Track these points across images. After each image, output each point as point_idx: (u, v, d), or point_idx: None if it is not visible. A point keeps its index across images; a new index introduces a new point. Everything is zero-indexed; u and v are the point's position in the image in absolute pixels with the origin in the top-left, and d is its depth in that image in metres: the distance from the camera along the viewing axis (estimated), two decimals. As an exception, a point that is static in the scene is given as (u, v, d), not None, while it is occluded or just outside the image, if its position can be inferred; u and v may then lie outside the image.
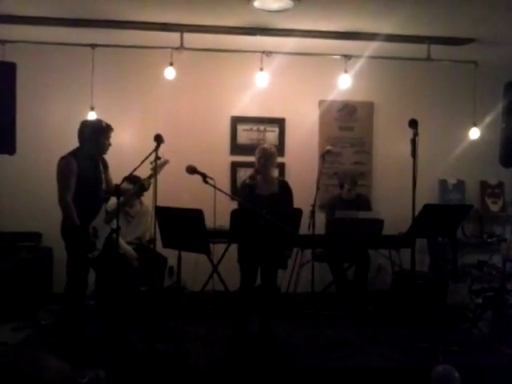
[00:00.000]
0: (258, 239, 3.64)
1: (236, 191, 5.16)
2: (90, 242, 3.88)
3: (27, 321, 4.69)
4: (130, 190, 4.31)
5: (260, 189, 4.25)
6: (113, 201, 4.04)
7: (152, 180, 4.07)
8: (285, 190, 4.37)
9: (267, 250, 3.87)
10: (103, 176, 4.13)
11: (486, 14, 4.54)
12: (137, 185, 4.30)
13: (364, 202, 5.53)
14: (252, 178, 4.25)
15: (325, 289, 5.39)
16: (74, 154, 3.99)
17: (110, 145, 4.13)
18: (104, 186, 4.13)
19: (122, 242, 4.59)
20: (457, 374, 3.49)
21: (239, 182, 5.53)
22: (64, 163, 3.93)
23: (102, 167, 4.14)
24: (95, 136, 4.03)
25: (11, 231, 5.43)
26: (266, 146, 4.52)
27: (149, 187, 4.45)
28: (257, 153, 4.35)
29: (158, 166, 4.07)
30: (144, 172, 4.14)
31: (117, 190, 3.88)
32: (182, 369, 3.62)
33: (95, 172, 4.06)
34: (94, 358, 3.69)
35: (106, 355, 3.73)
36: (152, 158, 3.94)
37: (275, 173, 4.43)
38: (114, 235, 3.91)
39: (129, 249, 4.76)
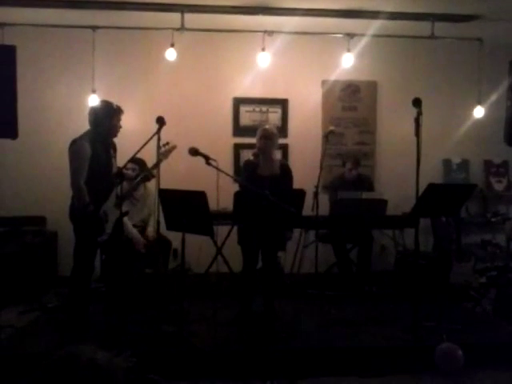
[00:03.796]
0: (261, 220, 3.63)
1: (239, 173, 5.14)
2: (101, 226, 3.88)
3: (34, 304, 4.73)
4: (135, 178, 4.33)
5: (261, 169, 4.24)
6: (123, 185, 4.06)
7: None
8: (285, 172, 4.36)
9: (266, 232, 3.86)
10: (113, 160, 4.13)
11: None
12: (142, 174, 4.32)
13: (366, 183, 5.52)
14: (255, 155, 4.25)
15: (328, 269, 5.41)
16: (85, 137, 3.96)
17: (120, 127, 4.11)
18: (114, 169, 4.12)
19: (130, 226, 4.61)
20: (460, 352, 3.53)
21: (242, 163, 5.50)
22: (77, 147, 3.91)
23: (112, 151, 4.14)
24: (108, 119, 3.99)
25: (16, 216, 5.44)
26: (267, 126, 4.51)
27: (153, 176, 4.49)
28: (258, 133, 4.36)
29: (166, 151, 4.09)
30: (147, 154, 4.13)
31: (120, 173, 3.88)
32: (188, 350, 3.66)
33: (107, 156, 4.04)
34: (100, 340, 3.73)
35: (111, 337, 3.76)
36: (159, 142, 3.94)
37: (277, 155, 4.41)
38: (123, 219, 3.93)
39: (136, 234, 4.77)
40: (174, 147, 4.20)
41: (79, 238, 3.96)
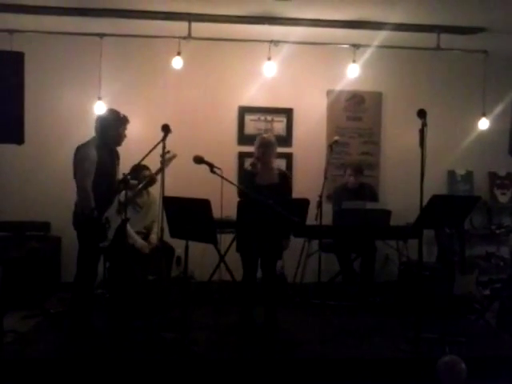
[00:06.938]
0: (264, 229, 3.63)
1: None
2: (103, 232, 3.90)
3: (36, 309, 4.73)
4: (139, 184, 4.36)
5: (260, 178, 4.24)
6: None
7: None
8: (284, 181, 4.35)
9: (265, 241, 3.86)
10: (117, 168, 4.16)
11: (496, 2, 4.49)
12: (146, 179, 4.38)
13: (369, 192, 5.51)
14: (253, 165, 4.25)
15: (331, 279, 5.40)
16: (91, 144, 4.00)
17: (125, 136, 4.17)
18: (118, 177, 4.15)
19: (131, 231, 4.63)
20: (463, 365, 3.50)
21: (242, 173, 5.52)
22: (83, 152, 3.95)
23: (115, 159, 4.17)
24: (114, 127, 4.07)
25: (20, 221, 5.47)
26: (265, 135, 4.54)
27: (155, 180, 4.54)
28: (256, 142, 4.37)
29: (165, 160, 4.10)
30: (151, 162, 4.15)
31: (124, 180, 3.90)
32: (189, 357, 3.65)
33: (111, 163, 4.09)
34: (102, 346, 3.73)
35: (113, 344, 3.76)
36: (164, 150, 3.96)
37: (276, 163, 4.41)
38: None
39: (138, 238, 4.79)
40: (174, 156, 4.25)
41: (82, 245, 3.98)
